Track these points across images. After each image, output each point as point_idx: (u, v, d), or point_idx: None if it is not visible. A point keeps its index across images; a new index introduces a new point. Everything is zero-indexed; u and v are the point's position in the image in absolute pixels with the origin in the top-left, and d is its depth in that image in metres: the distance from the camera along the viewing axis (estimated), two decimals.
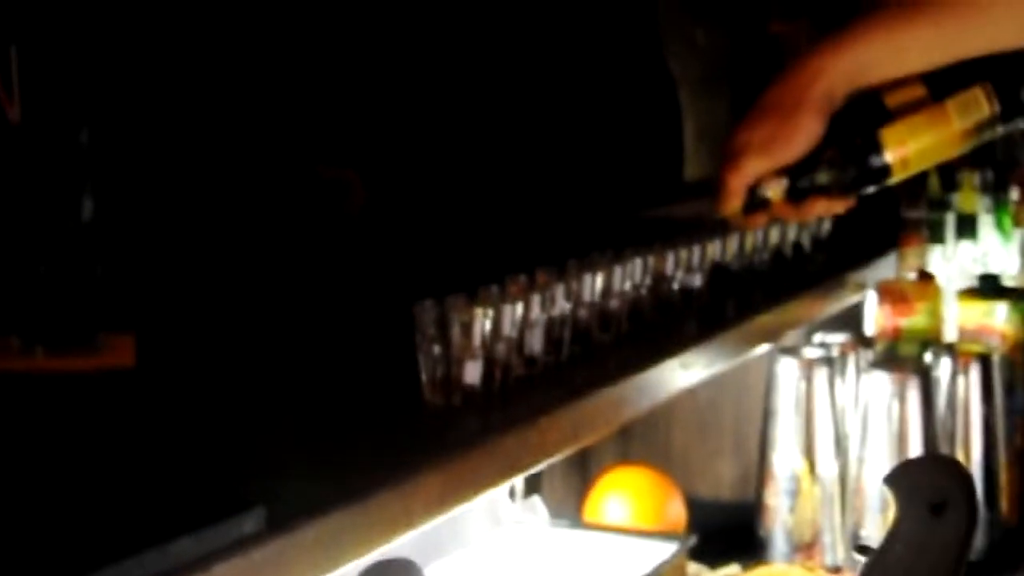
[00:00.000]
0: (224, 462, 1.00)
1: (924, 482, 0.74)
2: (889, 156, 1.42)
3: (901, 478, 0.75)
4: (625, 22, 3.06)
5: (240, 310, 1.40)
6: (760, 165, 1.40)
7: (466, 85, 2.00)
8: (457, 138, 2.21)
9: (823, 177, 1.42)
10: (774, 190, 1.42)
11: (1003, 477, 1.99)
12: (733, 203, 1.42)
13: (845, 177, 1.43)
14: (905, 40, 1.40)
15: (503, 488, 1.78)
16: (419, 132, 2.15)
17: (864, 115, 1.42)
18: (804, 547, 1.89)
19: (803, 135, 1.39)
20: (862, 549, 0.78)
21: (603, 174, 2.02)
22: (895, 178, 1.45)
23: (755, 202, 1.43)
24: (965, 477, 0.74)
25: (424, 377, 1.16)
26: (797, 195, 1.43)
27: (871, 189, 1.46)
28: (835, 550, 1.88)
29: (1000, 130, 1.45)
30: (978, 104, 1.43)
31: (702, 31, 2.52)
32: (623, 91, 2.20)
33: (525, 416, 1.17)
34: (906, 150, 1.42)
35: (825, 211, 1.48)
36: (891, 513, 0.77)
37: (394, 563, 0.75)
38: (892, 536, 0.76)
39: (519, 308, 1.23)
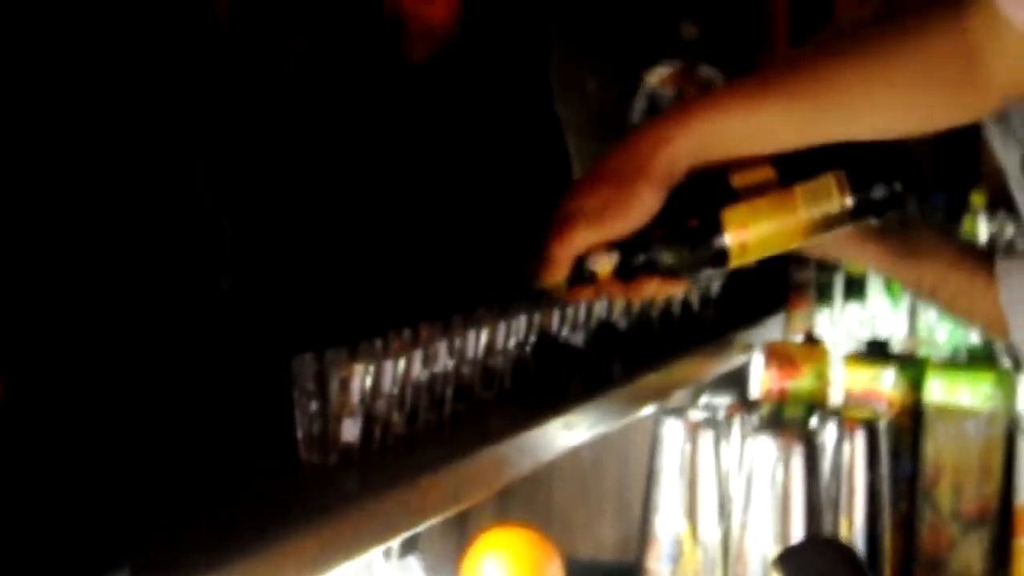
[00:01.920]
0: (91, 519, 0.97)
1: (815, 566, 0.73)
2: (728, 239, 1.30)
3: (792, 561, 0.74)
4: (518, 69, 3.07)
5: (115, 360, 1.37)
6: (590, 236, 1.27)
7: (350, 128, 1.98)
8: (341, 181, 2.20)
9: (656, 255, 1.29)
10: (603, 265, 1.29)
11: (887, 545, 2.00)
12: (557, 275, 1.28)
13: (680, 257, 1.30)
14: (756, 117, 1.31)
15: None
16: (303, 173, 2.13)
17: (707, 194, 1.30)
18: None
19: (639, 207, 1.28)
20: None
21: (492, 221, 2.02)
22: (732, 263, 1.32)
23: (581, 276, 1.29)
24: (855, 561, 0.73)
25: (300, 434, 1.14)
26: (627, 273, 1.30)
27: (707, 273, 1.35)
28: None
29: (850, 225, 1.35)
30: (828, 194, 1.33)
31: (593, 79, 2.54)
32: (512, 137, 2.20)
33: (405, 476, 1.15)
34: (747, 235, 1.30)
35: (656, 292, 1.33)
36: None
37: None
38: None
39: (401, 364, 1.21)
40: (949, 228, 2.93)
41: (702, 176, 1.31)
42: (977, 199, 3.66)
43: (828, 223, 1.33)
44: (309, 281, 1.67)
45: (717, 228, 1.29)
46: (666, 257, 1.30)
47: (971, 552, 2.09)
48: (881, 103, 1.34)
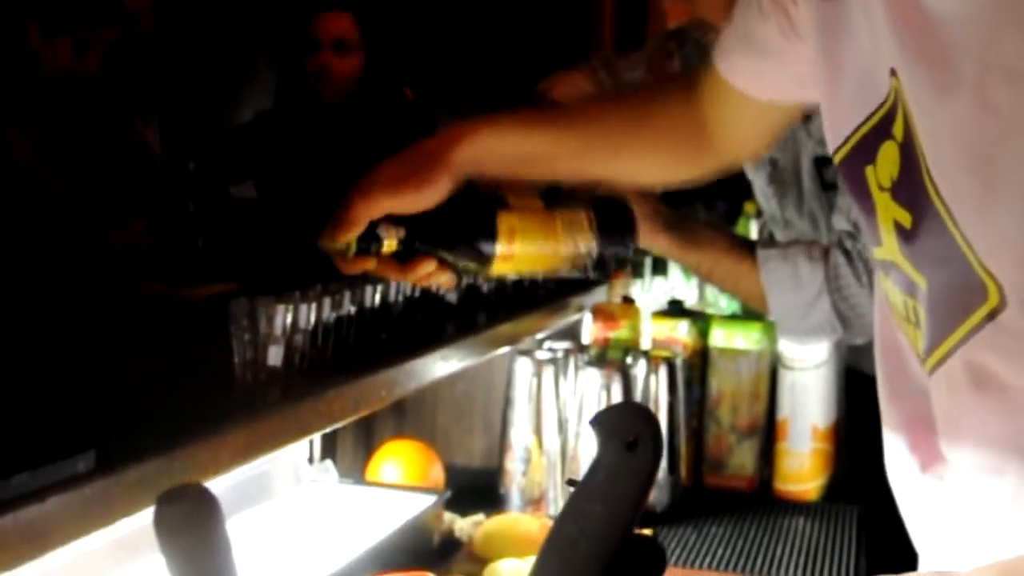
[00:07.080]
0: (65, 411, 0.93)
1: (621, 424, 0.71)
2: (498, 246, 1.13)
3: (603, 420, 0.72)
4: (408, 109, 3.05)
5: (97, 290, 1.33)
6: (387, 202, 1.12)
7: (290, 147, 1.95)
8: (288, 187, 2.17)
9: (434, 243, 1.13)
10: (389, 238, 1.11)
11: (682, 451, 1.99)
12: (351, 233, 1.11)
13: (454, 250, 1.14)
14: (530, 140, 1.20)
15: (302, 452, 1.72)
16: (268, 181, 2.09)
17: (486, 202, 1.14)
18: (534, 502, 1.86)
19: (431, 188, 1.13)
20: (571, 482, 0.75)
21: None
22: (494, 269, 1.15)
23: (369, 245, 1.11)
24: (653, 421, 0.71)
25: (236, 358, 1.11)
26: (407, 255, 1.14)
27: (471, 268, 1.16)
28: (556, 504, 1.86)
29: (591, 261, 1.18)
30: (581, 227, 1.16)
31: None
32: None
33: (315, 390, 1.12)
34: (513, 247, 1.14)
35: (426, 279, 1.16)
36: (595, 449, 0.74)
37: (187, 486, 0.69)
38: (594, 467, 0.73)
39: (314, 307, 1.18)
40: (727, 228, 2.93)
41: (483, 191, 1.17)
42: (749, 207, 3.68)
43: (577, 255, 1.18)
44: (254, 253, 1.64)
45: (492, 232, 1.13)
46: (443, 249, 1.14)
47: (744, 455, 2.09)
48: (635, 152, 1.25)
